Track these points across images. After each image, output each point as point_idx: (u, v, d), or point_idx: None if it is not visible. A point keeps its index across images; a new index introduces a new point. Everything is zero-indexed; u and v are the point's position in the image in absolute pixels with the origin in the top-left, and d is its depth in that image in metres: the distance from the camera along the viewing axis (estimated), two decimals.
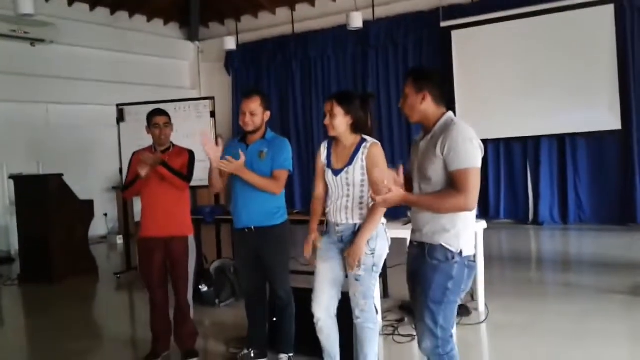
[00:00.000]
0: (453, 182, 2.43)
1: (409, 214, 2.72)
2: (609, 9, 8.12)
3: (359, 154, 3.08)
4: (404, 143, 9.73)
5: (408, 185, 2.64)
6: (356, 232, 3.07)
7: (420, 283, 2.56)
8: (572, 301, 4.94)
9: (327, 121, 3.12)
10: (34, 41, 9.17)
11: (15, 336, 5.18)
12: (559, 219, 8.92)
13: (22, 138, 9.05)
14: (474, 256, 2.60)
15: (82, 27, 10.01)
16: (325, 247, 3.20)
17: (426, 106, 2.57)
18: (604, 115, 8.21)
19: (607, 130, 8.27)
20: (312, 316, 3.22)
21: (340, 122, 3.08)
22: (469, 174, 2.40)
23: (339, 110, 3.07)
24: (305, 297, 3.40)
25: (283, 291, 3.61)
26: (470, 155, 2.41)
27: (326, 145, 3.25)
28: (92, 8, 10.38)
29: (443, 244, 2.50)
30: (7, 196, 8.60)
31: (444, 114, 2.58)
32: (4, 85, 8.86)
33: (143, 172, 3.68)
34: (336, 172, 3.13)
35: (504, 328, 4.35)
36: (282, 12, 11.32)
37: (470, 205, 2.42)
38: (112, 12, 10.76)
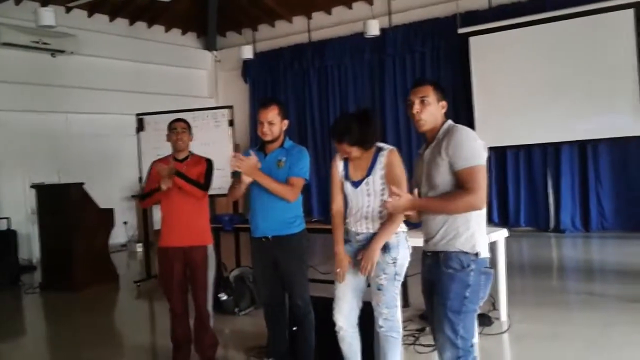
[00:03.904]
0: (461, 181, 2.44)
1: None
2: (629, 13, 8.01)
3: (377, 164, 3.07)
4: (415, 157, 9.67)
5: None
6: None
7: (438, 293, 2.55)
8: (595, 310, 4.86)
9: (345, 156, 3.13)
10: (54, 52, 9.32)
11: (37, 344, 5.22)
12: (581, 227, 8.79)
13: (43, 148, 9.18)
14: (489, 261, 2.59)
15: (102, 38, 10.15)
16: (348, 261, 3.16)
17: (441, 116, 2.62)
18: (625, 120, 8.09)
19: (630, 136, 8.14)
20: (332, 325, 3.20)
21: (356, 153, 3.08)
22: (476, 171, 2.42)
23: (351, 148, 3.05)
24: (324, 306, 3.38)
25: (301, 300, 3.58)
26: (475, 153, 2.44)
27: (341, 157, 3.22)
28: (111, 19, 10.52)
29: (459, 249, 2.49)
30: (28, 205, 8.70)
31: (444, 122, 2.63)
32: (25, 96, 9.00)
33: (164, 185, 3.71)
34: (355, 184, 3.12)
35: (527, 338, 4.28)
36: (299, 21, 11.37)
37: (480, 202, 2.43)
38: (131, 23, 10.90)
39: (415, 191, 2.55)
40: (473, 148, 2.45)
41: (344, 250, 3.16)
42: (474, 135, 2.51)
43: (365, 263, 3.00)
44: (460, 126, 2.56)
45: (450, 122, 2.62)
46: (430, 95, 2.60)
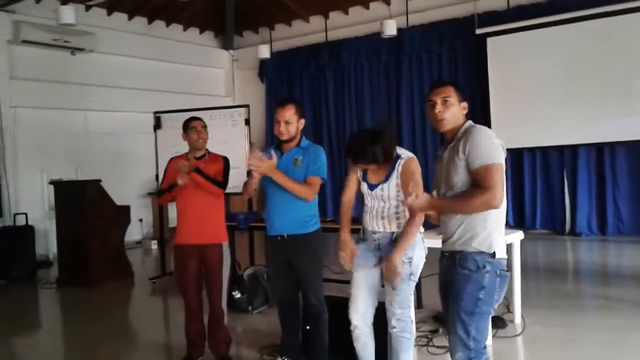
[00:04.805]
0: (477, 180, 2.44)
1: None
2: None
3: (394, 172, 3.08)
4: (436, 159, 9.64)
5: None
6: (393, 240, 3.07)
7: (452, 293, 2.55)
8: (611, 315, 4.82)
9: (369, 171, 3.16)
10: (74, 50, 9.41)
11: (52, 339, 5.28)
12: (597, 230, 8.71)
13: (61, 144, 9.28)
14: (506, 263, 2.57)
15: (121, 36, 10.24)
16: (362, 255, 3.19)
17: (462, 116, 2.64)
18: None
19: None
20: (346, 325, 3.21)
21: (374, 167, 3.10)
22: (492, 169, 2.41)
23: (366, 166, 3.10)
24: (338, 305, 3.39)
25: (315, 299, 3.58)
26: (491, 151, 2.44)
27: None
28: (130, 17, 10.61)
29: (476, 249, 2.49)
30: (46, 201, 8.81)
31: (464, 123, 2.64)
32: (44, 93, 9.11)
33: (181, 180, 3.74)
34: (371, 187, 3.15)
35: (541, 341, 4.26)
36: (316, 20, 11.38)
37: (497, 200, 2.41)
38: (150, 22, 10.98)
39: (434, 192, 2.55)
40: (489, 147, 2.45)
41: (349, 236, 3.20)
42: (490, 134, 2.51)
43: (389, 275, 2.99)
44: (478, 126, 2.56)
45: (469, 122, 2.63)
46: (453, 96, 2.61)
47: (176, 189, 3.82)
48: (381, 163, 3.07)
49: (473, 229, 2.50)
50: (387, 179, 3.09)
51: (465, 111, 2.64)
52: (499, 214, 2.52)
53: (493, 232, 2.50)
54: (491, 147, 2.45)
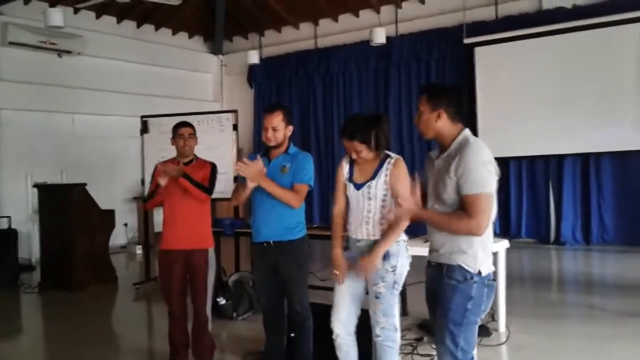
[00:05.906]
0: (465, 206, 2.42)
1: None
2: (636, 27, 8.02)
3: (383, 169, 3.09)
4: (425, 159, 9.67)
5: (424, 199, 2.63)
6: None
7: (440, 304, 2.54)
8: (595, 324, 4.85)
9: (354, 156, 3.12)
10: (61, 52, 9.35)
11: (34, 344, 5.22)
12: (582, 239, 8.78)
13: (47, 147, 9.21)
14: (494, 274, 2.57)
15: (109, 40, 10.20)
16: (346, 263, 3.17)
17: (442, 124, 2.55)
18: (629, 134, 8.08)
19: (633, 150, 8.14)
20: (330, 332, 3.19)
21: (365, 153, 3.09)
22: (480, 199, 2.39)
23: (361, 147, 3.07)
24: (323, 312, 3.37)
25: (300, 306, 3.57)
26: (482, 180, 2.40)
27: (348, 160, 3.23)
28: (119, 21, 10.57)
29: (461, 264, 2.47)
30: (30, 204, 8.72)
31: (460, 131, 2.56)
32: (31, 95, 9.03)
33: (162, 181, 3.72)
34: (358, 186, 3.13)
35: (525, 349, 4.27)
36: (305, 27, 11.41)
37: (479, 230, 2.40)
38: (139, 25, 10.94)
39: (417, 185, 2.52)
40: (481, 174, 2.40)
41: (341, 252, 3.17)
42: (484, 158, 2.44)
43: (365, 264, 2.99)
44: (472, 145, 2.47)
45: (465, 134, 2.54)
46: (422, 105, 2.57)
47: (161, 192, 3.80)
48: (377, 147, 3.06)
49: (459, 246, 2.48)
50: (375, 176, 3.09)
51: (440, 118, 2.53)
52: (485, 234, 2.48)
53: (478, 252, 2.48)
54: (483, 174, 2.40)
